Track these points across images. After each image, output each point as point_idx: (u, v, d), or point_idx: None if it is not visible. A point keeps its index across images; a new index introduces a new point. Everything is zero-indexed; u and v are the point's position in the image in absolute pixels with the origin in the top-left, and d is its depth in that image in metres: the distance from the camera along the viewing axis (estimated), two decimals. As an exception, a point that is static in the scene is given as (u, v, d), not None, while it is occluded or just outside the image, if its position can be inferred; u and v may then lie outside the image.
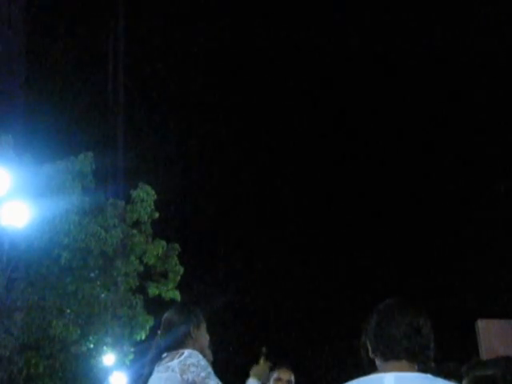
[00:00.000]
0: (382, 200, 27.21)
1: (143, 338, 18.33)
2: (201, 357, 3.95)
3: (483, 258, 23.58)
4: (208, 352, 4.36)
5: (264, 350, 4.94)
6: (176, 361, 3.93)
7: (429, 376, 2.69)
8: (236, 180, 26.61)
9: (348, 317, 22.76)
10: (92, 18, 22.28)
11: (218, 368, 4.63)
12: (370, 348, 2.83)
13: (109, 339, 17.83)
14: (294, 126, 28.65)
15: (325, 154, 28.63)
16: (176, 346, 4.08)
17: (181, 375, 3.85)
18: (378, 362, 2.79)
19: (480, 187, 24.96)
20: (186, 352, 3.96)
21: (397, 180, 27.20)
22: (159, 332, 4.30)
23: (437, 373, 3.66)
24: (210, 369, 3.93)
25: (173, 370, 3.89)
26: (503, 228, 23.57)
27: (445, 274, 24.83)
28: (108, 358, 18.14)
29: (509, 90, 23.81)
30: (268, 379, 4.90)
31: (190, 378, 3.83)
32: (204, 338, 4.25)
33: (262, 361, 4.88)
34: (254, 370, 4.80)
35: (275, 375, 5.70)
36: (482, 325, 9.23)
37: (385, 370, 2.72)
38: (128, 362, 18.48)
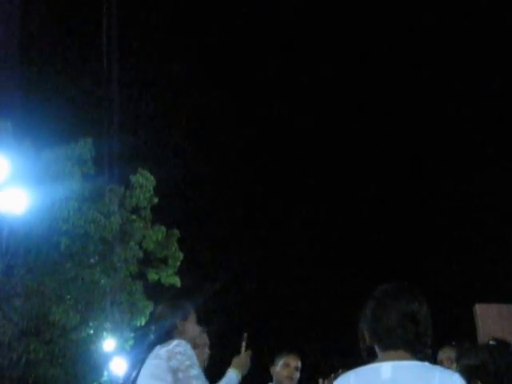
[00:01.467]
0: (381, 183, 27.16)
1: (143, 323, 18.35)
2: (189, 347, 4.15)
3: (481, 244, 23.58)
4: (200, 340, 4.72)
5: (245, 335, 4.92)
6: (164, 349, 4.14)
7: (426, 364, 2.67)
8: (236, 165, 26.56)
9: (348, 301, 22.83)
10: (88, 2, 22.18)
11: (217, 352, 5.02)
12: (366, 337, 2.82)
13: (108, 325, 17.85)
14: (299, 111, 28.52)
15: (326, 140, 28.55)
16: (165, 337, 4.29)
17: (167, 362, 4.04)
18: (377, 351, 2.78)
19: (479, 172, 24.93)
20: (175, 341, 4.17)
21: (396, 162, 27.16)
22: (152, 326, 4.61)
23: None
24: (195, 359, 4.12)
25: (160, 358, 4.10)
26: (502, 212, 23.58)
27: (443, 258, 24.82)
28: (108, 344, 18.12)
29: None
30: (247, 370, 4.83)
31: (175, 365, 4.02)
32: (192, 329, 4.47)
33: (243, 350, 4.87)
34: (235, 361, 4.77)
35: (282, 361, 5.77)
36: (480, 309, 9.26)
37: (382, 360, 2.71)
38: (128, 348, 18.48)
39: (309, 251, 26.39)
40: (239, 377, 4.66)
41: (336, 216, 27.08)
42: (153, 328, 4.47)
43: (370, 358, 2.98)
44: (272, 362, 5.87)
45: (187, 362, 4.01)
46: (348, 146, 28.02)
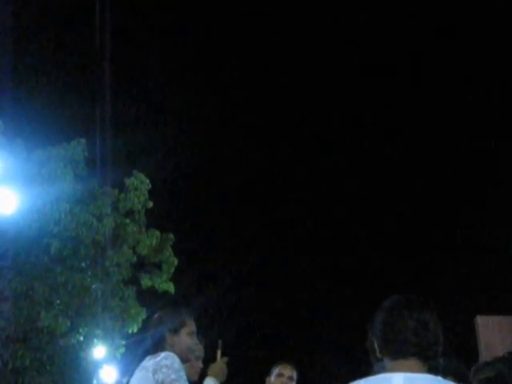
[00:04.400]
0: (380, 195, 26.90)
1: (135, 330, 18.15)
2: (177, 360, 4.00)
3: (481, 256, 23.44)
4: (194, 354, 4.51)
5: (220, 342, 4.83)
6: (152, 361, 4.01)
7: (439, 378, 2.65)
8: (232, 169, 26.32)
9: (347, 316, 22.71)
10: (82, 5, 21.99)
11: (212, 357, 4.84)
12: (377, 348, 2.79)
13: (99, 332, 17.57)
14: (294, 106, 28.21)
15: (318, 144, 28.36)
16: (155, 349, 4.17)
17: (153, 375, 3.93)
18: (386, 362, 2.74)
19: (478, 182, 24.77)
20: (163, 354, 4.03)
21: (396, 172, 26.90)
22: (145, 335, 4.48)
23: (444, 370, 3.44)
24: (182, 373, 3.98)
25: (147, 370, 3.99)
26: (501, 223, 23.49)
27: (444, 270, 24.64)
28: (98, 351, 17.83)
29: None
30: (225, 377, 4.73)
31: (160, 379, 3.91)
32: (183, 343, 4.28)
33: (218, 357, 4.78)
34: (211, 368, 4.69)
35: (277, 371, 5.74)
36: (481, 321, 9.13)
37: (393, 370, 2.67)
38: (119, 356, 18.23)
39: (309, 259, 26.13)
40: None
41: (337, 225, 26.83)
42: (146, 336, 4.35)
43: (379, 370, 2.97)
44: (268, 373, 5.81)
45: (173, 376, 3.90)
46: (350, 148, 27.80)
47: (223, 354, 4.80)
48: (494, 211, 23.97)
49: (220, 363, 4.70)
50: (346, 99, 27.67)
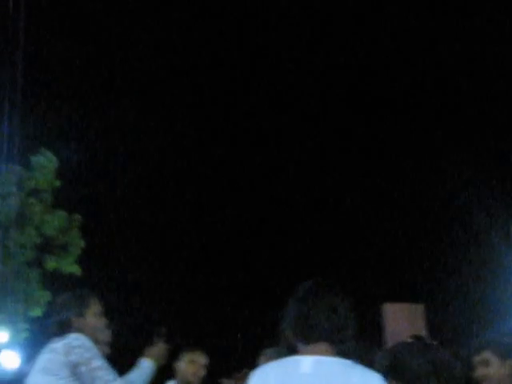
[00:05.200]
0: (298, 180, 27.00)
1: (39, 314, 17.80)
2: (86, 339, 3.95)
3: (389, 244, 23.85)
4: (103, 335, 4.36)
5: (163, 330, 4.67)
6: (61, 343, 3.94)
7: (348, 362, 2.72)
8: (144, 151, 25.95)
9: (255, 300, 22.78)
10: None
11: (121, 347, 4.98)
12: (289, 333, 2.86)
13: (1, 315, 17.17)
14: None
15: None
16: (61, 331, 4.06)
17: (64, 356, 3.87)
18: (298, 346, 2.81)
19: (390, 177, 25.20)
20: (73, 335, 3.97)
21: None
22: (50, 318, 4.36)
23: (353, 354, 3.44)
24: (96, 350, 3.94)
25: (56, 352, 3.91)
26: (410, 213, 23.96)
27: (351, 258, 24.95)
28: (0, 336, 17.38)
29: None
30: (164, 360, 4.60)
31: (75, 360, 3.86)
32: (92, 323, 4.20)
33: (157, 341, 4.61)
34: (150, 351, 4.54)
35: (187, 357, 5.63)
36: (388, 308, 9.11)
37: (304, 353, 2.76)
38: (21, 340, 17.79)
39: (222, 247, 26.04)
40: (154, 367, 4.46)
41: (250, 212, 26.82)
42: (51, 321, 4.23)
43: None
44: (176, 357, 5.71)
45: (87, 355, 3.86)
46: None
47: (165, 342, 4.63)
48: (406, 195, 24.45)
49: (160, 348, 4.54)
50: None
